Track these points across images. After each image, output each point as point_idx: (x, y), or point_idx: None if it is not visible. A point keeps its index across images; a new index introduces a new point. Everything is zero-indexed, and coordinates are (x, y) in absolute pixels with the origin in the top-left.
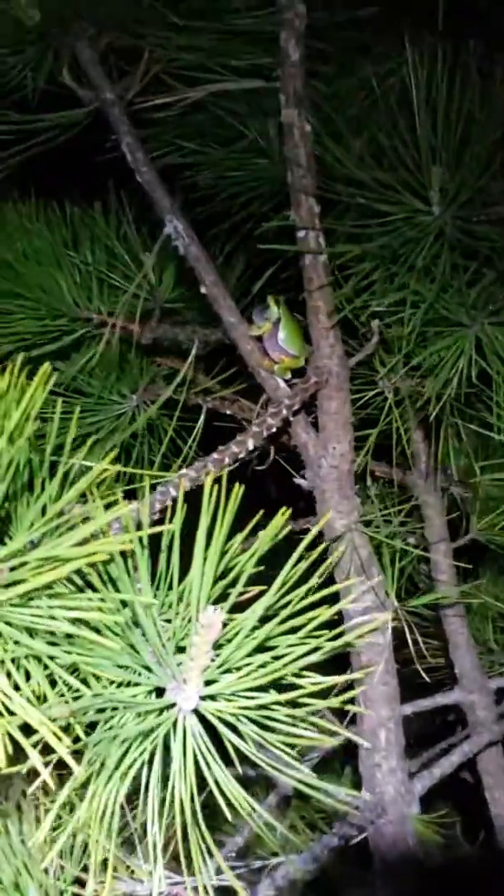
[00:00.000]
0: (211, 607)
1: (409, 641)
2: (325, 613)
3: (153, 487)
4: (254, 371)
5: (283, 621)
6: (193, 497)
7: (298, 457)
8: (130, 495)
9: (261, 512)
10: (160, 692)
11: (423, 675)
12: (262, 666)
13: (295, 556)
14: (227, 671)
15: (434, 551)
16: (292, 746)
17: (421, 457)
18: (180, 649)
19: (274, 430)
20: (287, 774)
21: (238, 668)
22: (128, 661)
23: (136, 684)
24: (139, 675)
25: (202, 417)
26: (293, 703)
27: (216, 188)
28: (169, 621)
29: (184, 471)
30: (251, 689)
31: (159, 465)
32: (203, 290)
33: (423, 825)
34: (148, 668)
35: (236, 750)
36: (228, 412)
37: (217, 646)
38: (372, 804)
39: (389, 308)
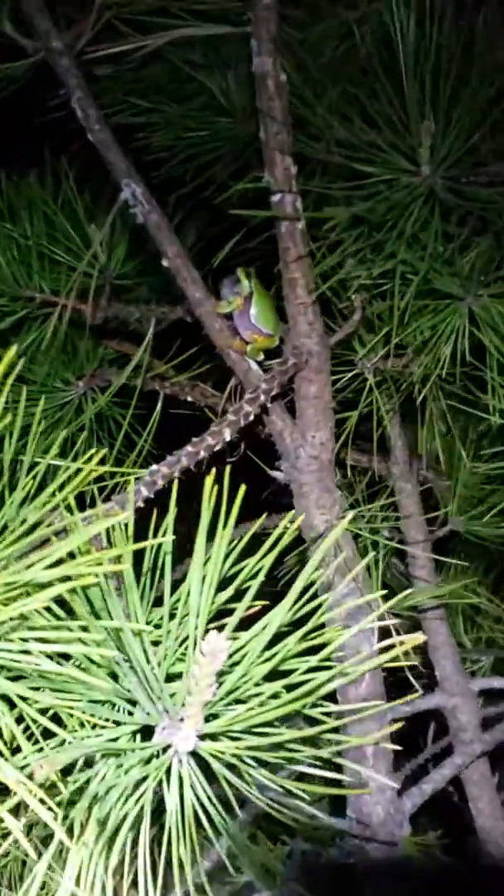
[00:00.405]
0: (214, 632)
1: (395, 645)
2: (343, 634)
3: (111, 489)
4: (222, 352)
5: (299, 640)
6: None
7: (273, 446)
8: (81, 499)
9: (263, 515)
10: (147, 731)
11: (413, 680)
12: (275, 696)
13: (310, 569)
14: (233, 703)
15: (412, 544)
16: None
17: (397, 442)
18: (172, 677)
19: (251, 418)
20: (288, 814)
21: (245, 700)
22: (108, 694)
23: (118, 723)
24: (123, 711)
25: (159, 405)
26: (311, 741)
27: (173, 150)
28: (157, 643)
29: (155, 467)
30: (261, 725)
31: (111, 460)
32: (165, 262)
33: (413, 846)
34: (133, 703)
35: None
36: (189, 399)
37: (219, 673)
38: (360, 827)
39: (375, 281)
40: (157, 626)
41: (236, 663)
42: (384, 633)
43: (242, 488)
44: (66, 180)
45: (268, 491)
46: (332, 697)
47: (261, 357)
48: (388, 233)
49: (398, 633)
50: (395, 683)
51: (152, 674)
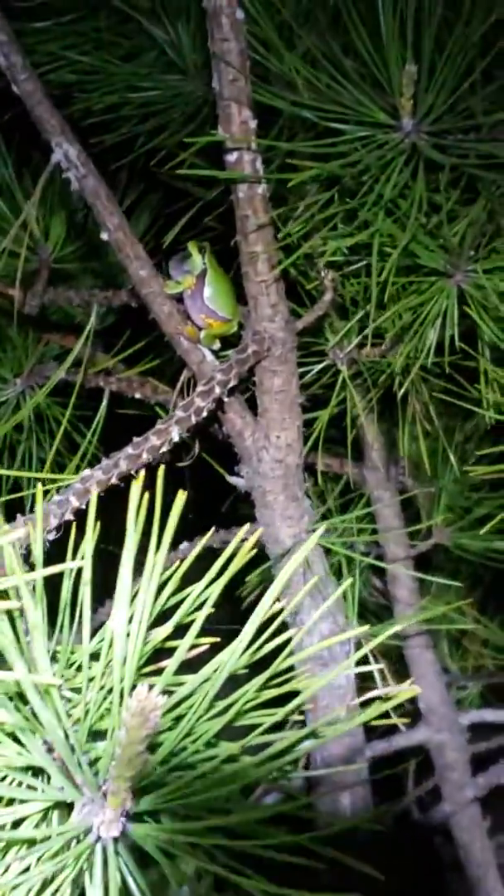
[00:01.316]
0: (142, 686)
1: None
2: (316, 683)
3: (46, 495)
4: (172, 340)
5: (259, 688)
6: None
7: (231, 448)
8: (13, 509)
9: (211, 530)
10: (64, 809)
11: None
12: (230, 760)
13: (272, 594)
14: (174, 770)
15: (392, 561)
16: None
17: (374, 444)
18: (96, 734)
19: (204, 414)
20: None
21: (191, 766)
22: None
23: (21, 801)
24: (26, 786)
25: (104, 403)
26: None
27: (116, 113)
28: (77, 690)
29: (88, 472)
30: (212, 798)
31: (51, 464)
32: (104, 235)
33: None
34: (40, 773)
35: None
36: (137, 396)
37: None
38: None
39: (348, 257)
40: (78, 670)
41: (179, 717)
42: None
43: (181, 496)
44: None
45: (228, 501)
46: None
47: (217, 345)
48: (363, 198)
49: (377, 661)
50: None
51: (65, 737)
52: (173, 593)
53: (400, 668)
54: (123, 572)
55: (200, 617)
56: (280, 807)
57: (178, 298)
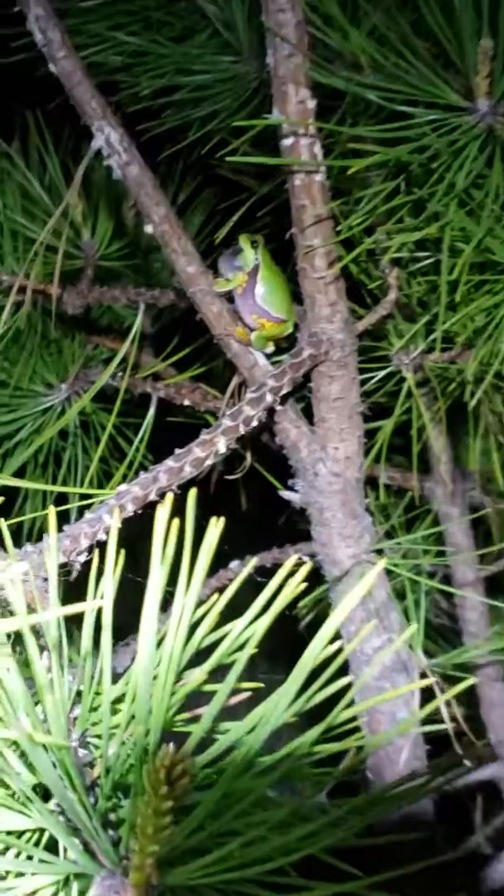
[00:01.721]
0: (170, 747)
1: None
2: (372, 740)
3: (81, 511)
4: (221, 342)
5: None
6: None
7: (285, 460)
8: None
9: (252, 561)
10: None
11: (456, 744)
12: (281, 826)
13: (327, 634)
14: (210, 838)
15: (460, 582)
16: None
17: (442, 457)
18: (118, 789)
19: (254, 424)
20: None
21: (232, 831)
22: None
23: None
24: (32, 858)
25: (151, 410)
26: None
27: (167, 98)
28: (98, 737)
29: (123, 486)
30: (256, 869)
31: (97, 474)
32: (149, 228)
33: None
34: (54, 848)
35: None
36: (186, 402)
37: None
38: None
39: (414, 253)
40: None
41: (220, 772)
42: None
43: (215, 525)
44: (46, 142)
45: (284, 516)
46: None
47: (270, 349)
48: (433, 188)
49: (442, 692)
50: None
51: (80, 800)
52: (212, 629)
53: (467, 697)
54: (148, 611)
55: (242, 658)
56: (338, 886)
57: (229, 298)
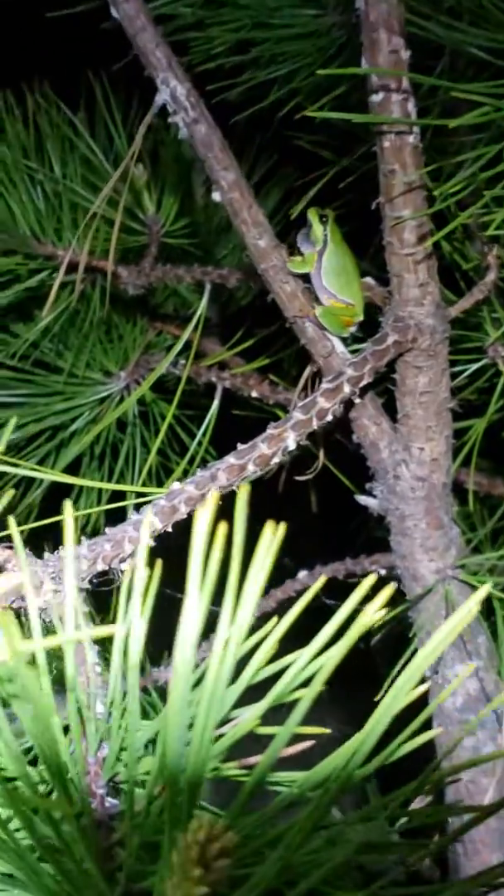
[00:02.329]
0: (203, 820)
1: None
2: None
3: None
4: (294, 327)
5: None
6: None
7: (363, 461)
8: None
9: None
10: None
11: None
12: None
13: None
14: None
15: None
16: None
17: None
18: (149, 849)
19: (329, 418)
20: None
21: None
22: None
23: None
24: None
25: (216, 401)
26: None
27: (240, 57)
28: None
29: (176, 485)
30: None
31: (155, 467)
32: (216, 195)
33: None
34: None
35: None
36: (254, 394)
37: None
38: None
39: None
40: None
41: (276, 840)
42: None
43: (273, 530)
44: (111, 110)
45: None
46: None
47: (348, 332)
48: None
49: None
50: None
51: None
52: (269, 660)
53: None
54: (184, 640)
55: (308, 697)
56: None
57: (306, 279)
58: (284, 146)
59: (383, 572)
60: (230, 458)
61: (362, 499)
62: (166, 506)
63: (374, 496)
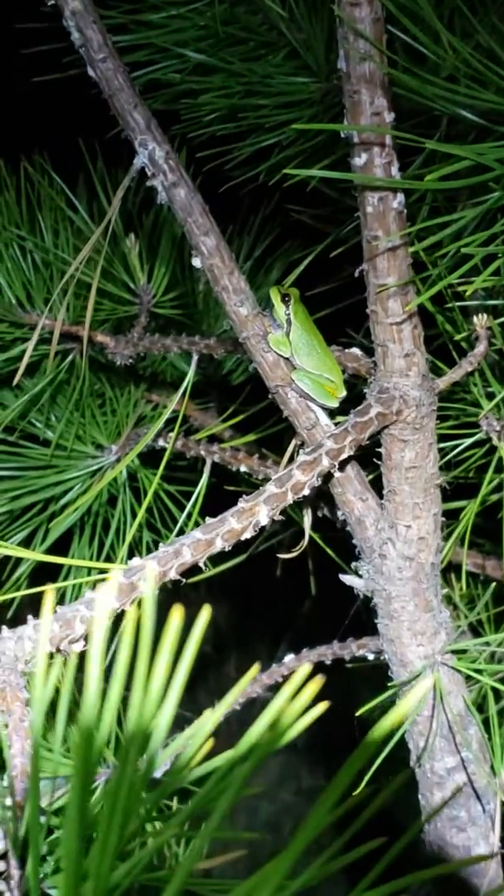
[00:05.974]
0: None
1: None
2: None
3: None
4: (277, 395)
5: None
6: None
7: (348, 539)
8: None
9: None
10: None
11: None
12: None
13: None
14: None
15: None
16: None
17: None
18: None
19: (305, 492)
20: None
21: None
22: None
23: None
24: None
25: (205, 475)
26: None
27: (236, 124)
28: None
29: (136, 560)
30: None
31: (146, 541)
32: (196, 262)
33: None
34: None
35: None
36: (243, 469)
37: None
38: None
39: None
40: None
41: None
42: None
43: (180, 615)
44: (104, 177)
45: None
46: None
47: (335, 402)
48: None
49: None
50: None
51: None
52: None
53: None
54: (81, 754)
55: (221, 807)
56: None
57: None
58: (287, 221)
59: (371, 657)
60: (196, 533)
61: (347, 579)
62: (124, 583)
63: (360, 576)
